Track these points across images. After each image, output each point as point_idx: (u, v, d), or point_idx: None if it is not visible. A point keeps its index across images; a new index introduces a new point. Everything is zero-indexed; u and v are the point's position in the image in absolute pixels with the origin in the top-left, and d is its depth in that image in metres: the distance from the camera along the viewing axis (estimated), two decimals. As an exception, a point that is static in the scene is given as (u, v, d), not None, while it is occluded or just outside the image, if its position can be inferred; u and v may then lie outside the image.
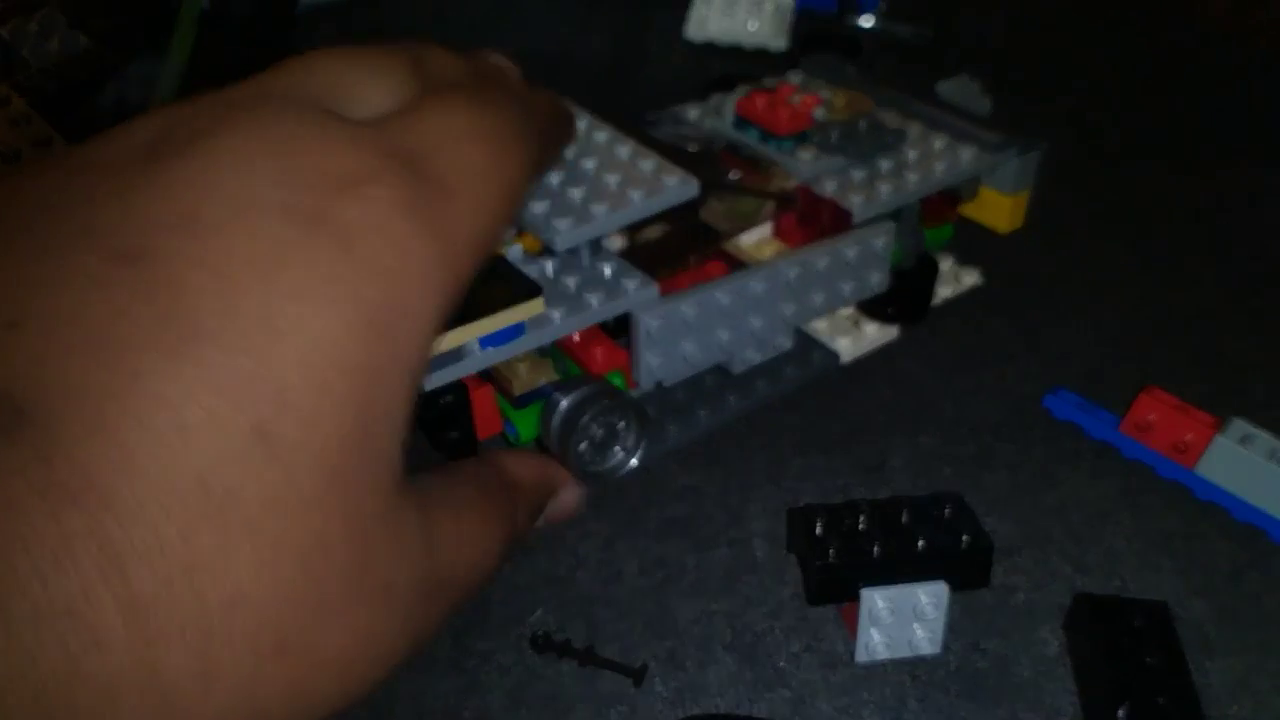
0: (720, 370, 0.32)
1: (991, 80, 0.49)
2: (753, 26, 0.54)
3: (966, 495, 0.28)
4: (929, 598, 0.25)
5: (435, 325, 0.17)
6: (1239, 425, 0.29)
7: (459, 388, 0.27)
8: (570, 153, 0.29)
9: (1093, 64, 0.56)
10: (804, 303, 0.31)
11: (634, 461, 0.29)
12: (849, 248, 0.31)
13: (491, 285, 0.25)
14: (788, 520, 0.29)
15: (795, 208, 0.33)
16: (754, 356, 0.32)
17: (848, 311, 0.35)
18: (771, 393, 0.33)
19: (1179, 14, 0.61)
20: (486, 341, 0.25)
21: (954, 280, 0.37)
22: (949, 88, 0.48)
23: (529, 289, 0.26)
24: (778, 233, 0.34)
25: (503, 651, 0.26)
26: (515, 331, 0.26)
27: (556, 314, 0.26)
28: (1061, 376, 0.34)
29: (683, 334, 0.29)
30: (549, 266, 0.28)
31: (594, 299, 0.27)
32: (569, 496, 0.26)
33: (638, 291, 0.28)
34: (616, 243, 0.30)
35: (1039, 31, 0.60)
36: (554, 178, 0.28)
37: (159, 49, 0.41)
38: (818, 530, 0.27)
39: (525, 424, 0.28)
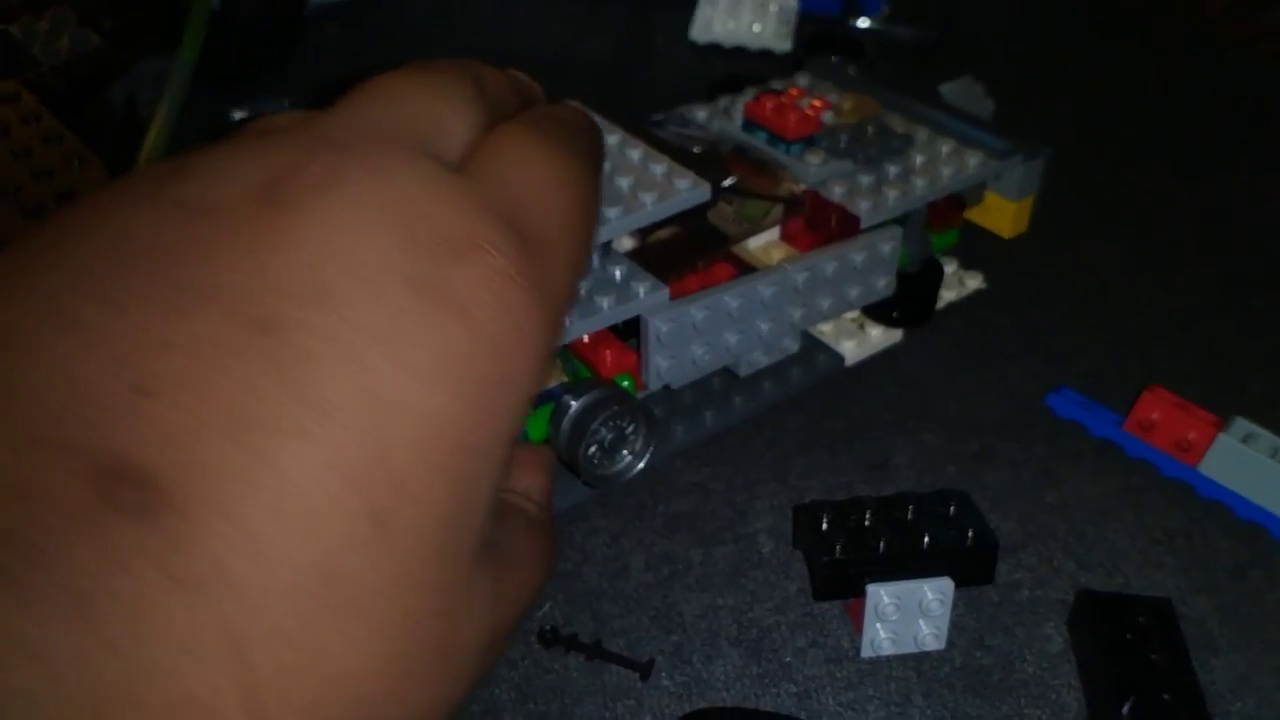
0: (726, 372, 0.33)
1: (994, 82, 0.49)
2: (757, 28, 0.54)
3: (970, 493, 0.28)
4: (934, 594, 0.26)
5: (535, 390, 0.17)
6: (1241, 424, 0.30)
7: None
8: None
9: (1093, 66, 0.56)
10: (811, 307, 0.32)
11: (641, 465, 0.29)
12: (857, 253, 0.32)
13: None
14: (794, 516, 0.30)
15: (803, 212, 0.33)
16: (761, 359, 0.32)
17: (853, 314, 0.35)
18: (777, 394, 0.33)
19: (1178, 18, 0.61)
20: None
21: (957, 284, 0.38)
22: (952, 90, 0.48)
23: None
24: (785, 236, 0.34)
25: (511, 645, 0.26)
26: None
27: (567, 317, 0.26)
28: (1064, 376, 0.35)
29: (692, 337, 0.29)
30: (559, 267, 0.28)
31: (604, 302, 0.27)
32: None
33: (648, 295, 0.28)
34: (626, 244, 0.30)
35: (1041, 34, 0.60)
36: None
37: (169, 47, 0.41)
38: (824, 526, 0.27)
39: (534, 426, 0.29)
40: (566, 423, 0.27)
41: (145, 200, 0.16)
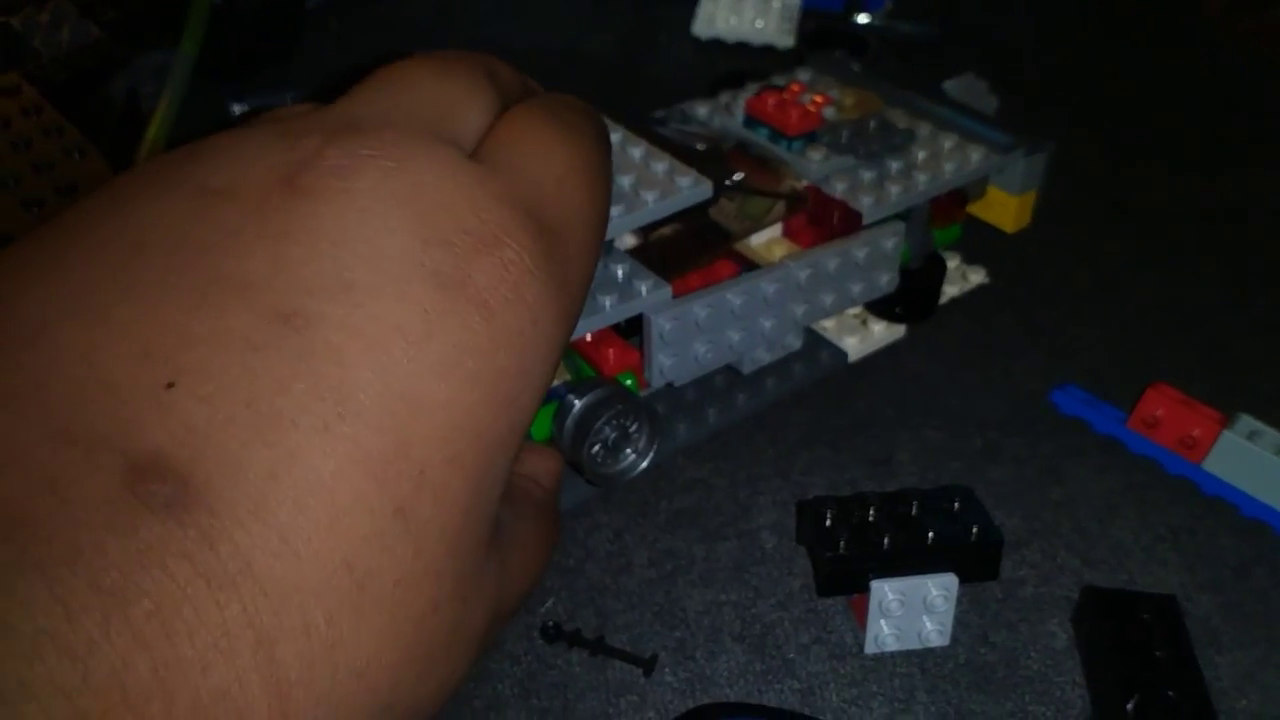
0: (729, 369, 0.33)
1: (997, 79, 0.49)
2: (759, 24, 0.54)
3: (974, 489, 0.28)
4: (939, 589, 0.25)
5: (548, 382, 0.17)
6: (1246, 421, 0.30)
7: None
8: None
9: (1097, 62, 0.56)
10: (814, 303, 0.32)
11: (645, 464, 0.29)
12: (859, 249, 0.32)
13: None
14: (797, 512, 0.29)
15: (805, 208, 0.33)
16: (764, 356, 0.32)
17: (855, 310, 0.35)
18: (780, 391, 0.33)
19: (1180, 16, 0.61)
20: None
21: (960, 279, 0.37)
22: (955, 86, 0.48)
23: None
24: (788, 233, 0.34)
25: (513, 641, 0.26)
26: None
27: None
28: (1068, 372, 0.35)
29: (695, 335, 0.29)
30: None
31: (607, 300, 0.27)
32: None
33: (651, 293, 0.28)
34: (628, 242, 0.30)
35: (1045, 30, 0.60)
36: None
37: (171, 40, 0.41)
38: (827, 522, 0.27)
39: (538, 424, 0.28)
40: (570, 422, 0.27)
41: (165, 186, 0.15)
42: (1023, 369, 0.35)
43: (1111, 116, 0.51)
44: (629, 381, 0.29)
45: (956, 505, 0.27)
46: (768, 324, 0.31)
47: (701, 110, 0.36)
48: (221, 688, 0.12)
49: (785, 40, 0.54)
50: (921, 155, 0.34)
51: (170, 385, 0.13)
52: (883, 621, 0.26)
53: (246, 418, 0.13)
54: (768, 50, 0.55)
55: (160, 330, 0.13)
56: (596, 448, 0.27)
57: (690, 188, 0.28)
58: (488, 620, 0.17)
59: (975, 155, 0.34)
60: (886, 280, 0.33)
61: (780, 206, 0.33)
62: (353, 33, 0.56)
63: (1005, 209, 0.37)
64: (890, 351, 0.35)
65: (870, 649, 0.26)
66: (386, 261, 0.15)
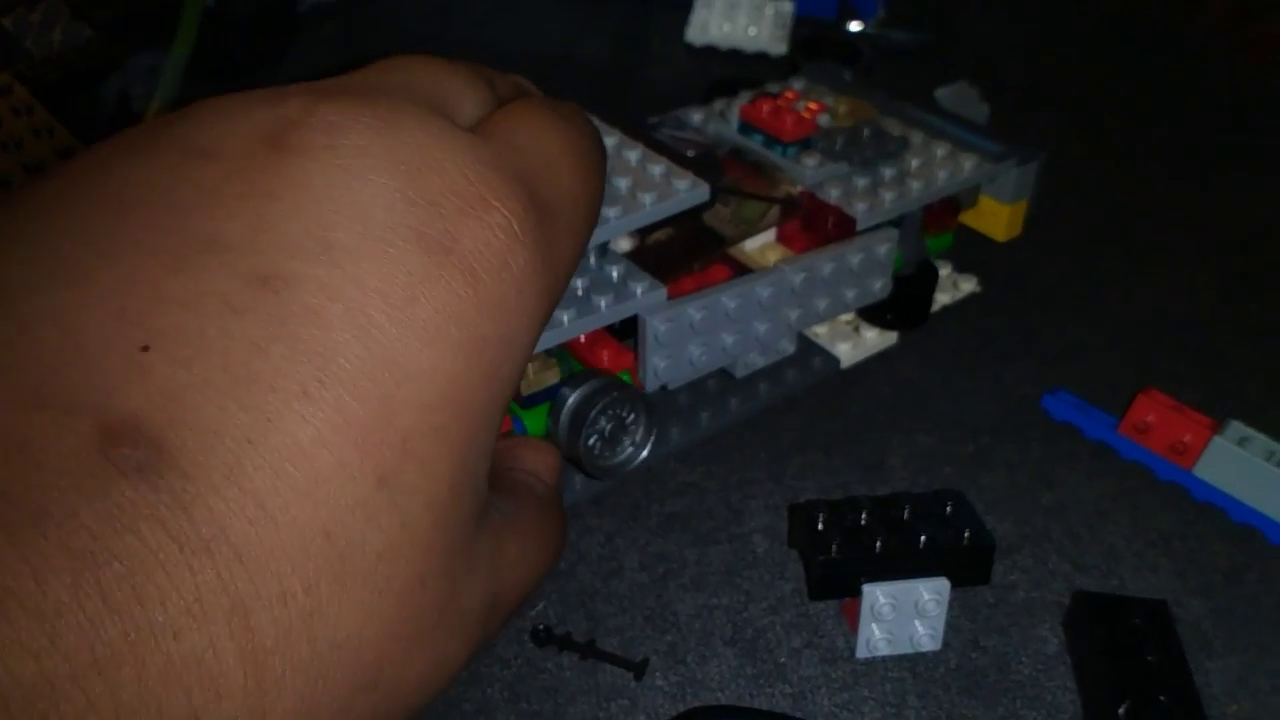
0: (723, 373, 0.33)
1: (989, 86, 0.50)
2: (753, 31, 0.55)
3: (965, 494, 0.28)
4: (931, 594, 0.25)
5: (528, 357, 0.17)
6: (1236, 427, 0.30)
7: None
8: None
9: (1089, 70, 0.56)
10: (808, 308, 0.32)
11: (644, 454, 0.29)
12: (853, 254, 0.32)
13: None
14: (789, 515, 0.29)
15: (799, 213, 0.33)
16: (758, 360, 0.32)
17: (848, 317, 0.35)
18: (773, 396, 0.33)
19: (1175, 24, 0.61)
20: None
21: (952, 287, 0.38)
22: (947, 94, 0.48)
23: None
24: (782, 238, 0.34)
25: (503, 645, 0.26)
26: None
27: (565, 316, 0.26)
28: (1059, 378, 0.35)
29: (689, 337, 0.29)
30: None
31: (602, 301, 0.27)
32: None
33: (646, 294, 0.28)
34: (624, 245, 0.30)
35: (1037, 38, 0.60)
36: None
37: (163, 42, 0.41)
38: (820, 526, 0.27)
39: (533, 422, 0.28)
40: (565, 415, 0.27)
41: (146, 146, 0.15)
42: (1014, 375, 0.35)
43: (1102, 124, 0.51)
44: (622, 384, 0.29)
45: (948, 509, 0.27)
46: (762, 327, 0.31)
47: (696, 116, 0.36)
48: (194, 653, 0.12)
49: (778, 47, 0.54)
50: (915, 163, 0.34)
51: (146, 349, 0.13)
52: (874, 625, 0.26)
53: (223, 381, 0.13)
54: (761, 57, 0.55)
55: (138, 293, 0.13)
56: (593, 439, 0.27)
57: (687, 191, 0.28)
58: (482, 603, 0.17)
59: (968, 164, 0.34)
60: (880, 286, 0.33)
61: (775, 212, 0.33)
62: (345, 37, 0.56)
63: (997, 218, 0.37)
64: (882, 358, 0.35)
65: (862, 653, 0.26)
66: (371, 221, 0.14)
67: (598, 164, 0.20)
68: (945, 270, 0.38)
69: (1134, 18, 0.62)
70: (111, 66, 0.43)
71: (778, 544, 0.29)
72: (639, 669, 0.26)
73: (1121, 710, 0.23)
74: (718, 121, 0.35)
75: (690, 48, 0.56)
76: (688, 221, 0.31)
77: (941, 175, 0.33)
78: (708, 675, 0.26)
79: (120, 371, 0.13)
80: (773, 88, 0.37)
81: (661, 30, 0.57)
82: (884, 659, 0.26)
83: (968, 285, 0.38)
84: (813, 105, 0.35)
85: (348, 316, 0.14)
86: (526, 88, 0.24)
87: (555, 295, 0.18)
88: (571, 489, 0.29)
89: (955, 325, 0.37)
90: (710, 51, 0.56)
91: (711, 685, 0.26)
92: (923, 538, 0.26)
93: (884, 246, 0.32)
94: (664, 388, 0.30)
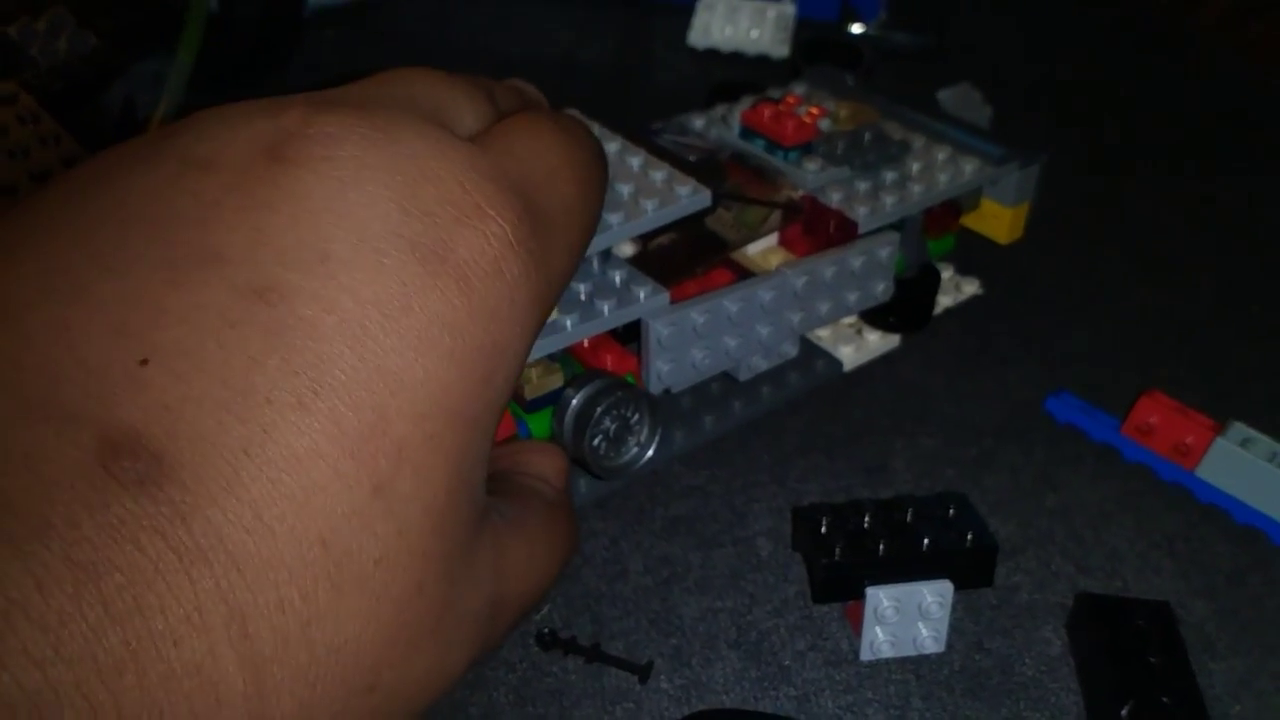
0: (726, 377, 0.33)
1: (992, 89, 0.50)
2: (754, 34, 0.55)
3: (968, 497, 0.28)
4: (934, 596, 0.26)
5: (521, 365, 0.17)
6: (1239, 428, 0.30)
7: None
8: None
9: (1090, 72, 0.57)
10: (810, 311, 0.32)
11: (650, 453, 0.29)
12: (855, 257, 0.32)
13: None
14: (793, 519, 0.30)
15: (801, 217, 0.33)
16: (760, 364, 0.32)
17: (850, 320, 0.35)
18: (776, 399, 0.33)
19: (1174, 24, 0.61)
20: None
21: (954, 289, 0.38)
22: (949, 96, 0.48)
23: None
24: (784, 242, 0.34)
25: (509, 648, 0.26)
26: None
27: (569, 320, 0.26)
28: (1062, 380, 0.35)
29: (692, 341, 0.29)
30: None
31: (605, 306, 0.27)
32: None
33: (649, 299, 0.28)
34: (627, 250, 0.30)
35: (1038, 40, 0.60)
36: None
37: (167, 49, 0.41)
38: (823, 529, 0.27)
39: (538, 425, 0.28)
40: (569, 416, 0.27)
41: (148, 156, 0.15)
42: (1017, 377, 0.35)
43: (1103, 125, 0.51)
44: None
45: (951, 512, 0.27)
46: (765, 331, 0.31)
47: (698, 122, 0.36)
48: (194, 661, 0.12)
49: (780, 50, 0.55)
50: (916, 167, 0.34)
51: (145, 362, 0.13)
52: (878, 628, 0.26)
53: (220, 394, 0.13)
54: (763, 60, 0.55)
55: (137, 307, 0.13)
56: (598, 439, 0.28)
57: (689, 197, 0.28)
58: (483, 608, 0.17)
59: (969, 167, 0.34)
60: (882, 289, 0.33)
61: (776, 216, 0.33)
62: (349, 43, 0.56)
63: (999, 221, 0.37)
64: (885, 360, 0.35)
65: (865, 655, 0.26)
66: (365, 231, 0.15)
67: (597, 176, 0.20)
68: (947, 273, 0.38)
69: (1134, 19, 0.62)
70: (117, 74, 0.43)
71: (781, 547, 0.29)
72: (644, 672, 0.26)
73: (1125, 712, 0.23)
74: (719, 127, 0.35)
75: (692, 51, 0.56)
76: (690, 226, 0.31)
77: (942, 179, 0.34)
78: (712, 678, 0.26)
79: (120, 385, 0.13)
80: (774, 92, 0.37)
81: (663, 34, 0.57)
82: (888, 661, 0.26)
83: (970, 288, 0.38)
84: (814, 110, 0.35)
85: (342, 327, 0.14)
86: (531, 95, 0.24)
87: (549, 304, 0.18)
88: (576, 492, 0.30)
89: (958, 328, 0.37)
90: (712, 55, 0.56)
91: (716, 688, 0.26)
92: (926, 540, 0.26)
93: (886, 250, 0.32)
94: (667, 391, 0.31)
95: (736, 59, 0.55)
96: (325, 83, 0.18)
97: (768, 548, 0.29)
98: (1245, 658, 0.26)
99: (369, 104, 0.16)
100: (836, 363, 0.34)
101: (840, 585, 0.26)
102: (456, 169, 0.16)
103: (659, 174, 0.29)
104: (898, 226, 0.33)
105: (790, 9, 0.55)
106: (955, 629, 0.27)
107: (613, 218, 0.27)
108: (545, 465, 0.22)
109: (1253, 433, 0.30)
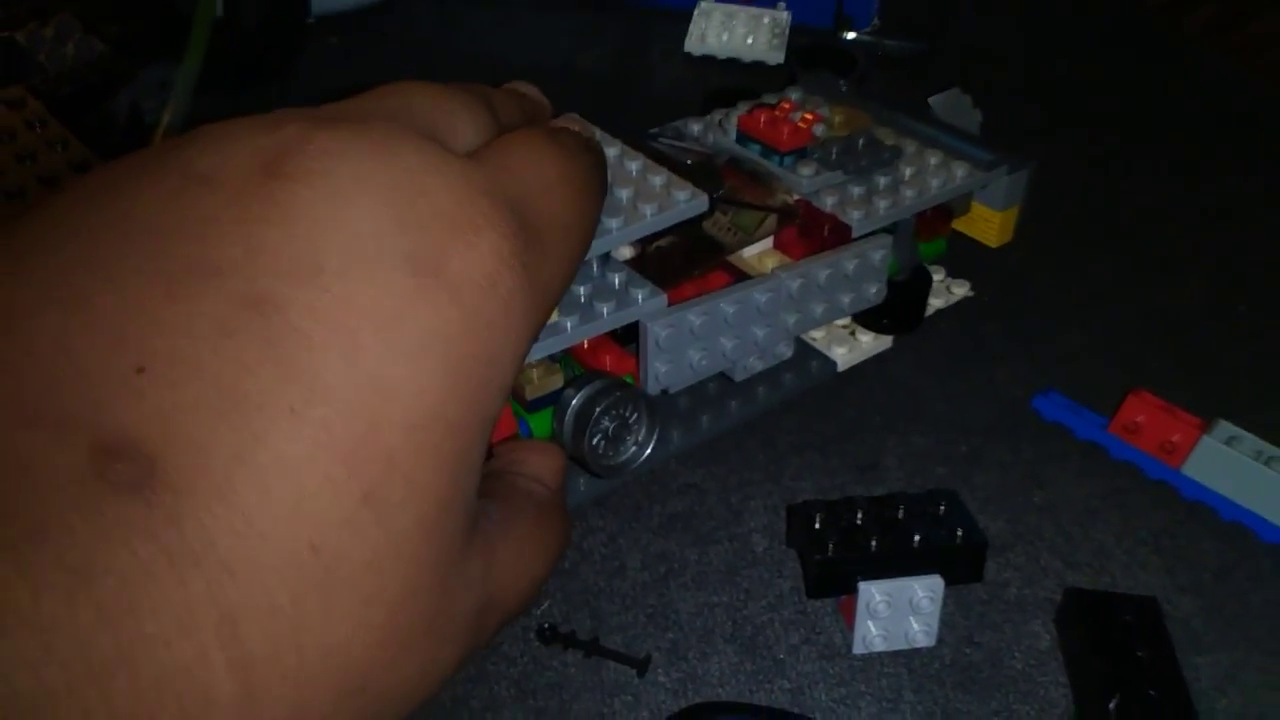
0: (722, 377, 0.33)
1: (982, 94, 0.50)
2: (750, 41, 0.55)
3: (959, 494, 0.29)
4: (925, 591, 0.26)
5: (514, 376, 0.17)
6: (1225, 426, 0.30)
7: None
8: None
9: (1081, 76, 0.57)
10: (805, 313, 0.32)
11: (648, 452, 0.29)
12: (848, 260, 0.32)
13: None
14: (787, 516, 0.30)
15: (796, 221, 0.34)
16: (756, 364, 0.33)
17: (844, 321, 0.36)
18: (771, 399, 0.34)
19: (1164, 27, 0.62)
20: None
21: (945, 292, 0.38)
22: (940, 101, 0.49)
23: None
24: (779, 245, 0.35)
25: (510, 642, 0.27)
26: None
27: (568, 322, 0.27)
28: (1050, 380, 0.35)
29: (690, 342, 0.30)
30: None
31: (604, 308, 0.28)
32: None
33: (647, 301, 0.28)
34: (625, 253, 0.31)
35: (1029, 46, 0.61)
36: None
37: (174, 55, 0.42)
38: (816, 525, 0.27)
39: (539, 425, 0.29)
40: (569, 416, 0.28)
41: (150, 171, 0.16)
42: (1006, 377, 0.36)
43: (1092, 129, 0.52)
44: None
45: (942, 509, 0.28)
46: (760, 332, 0.31)
47: (695, 127, 0.37)
48: (184, 663, 0.12)
49: (775, 56, 0.55)
50: (908, 171, 0.35)
51: (141, 370, 0.13)
52: (870, 623, 0.26)
53: (214, 401, 0.13)
54: (758, 66, 0.56)
55: (135, 317, 0.14)
56: (597, 439, 0.28)
57: (687, 201, 0.29)
58: (474, 610, 0.17)
59: (960, 172, 0.35)
60: (875, 291, 0.34)
61: (772, 220, 0.34)
62: (353, 48, 0.56)
63: (989, 225, 0.38)
64: (878, 361, 0.36)
65: (858, 649, 0.27)
66: (359, 244, 0.15)
67: (594, 189, 0.20)
68: (939, 275, 0.38)
69: (1124, 23, 0.63)
70: (123, 80, 0.44)
71: (776, 543, 0.30)
72: (642, 666, 0.26)
73: (1112, 705, 0.24)
74: (716, 132, 0.36)
75: (689, 57, 0.57)
76: (688, 230, 0.31)
77: (934, 183, 0.34)
78: (709, 671, 0.26)
79: (116, 392, 0.13)
80: (769, 98, 0.38)
81: (660, 41, 0.58)
82: (880, 655, 0.27)
83: (961, 290, 0.38)
84: (808, 115, 0.35)
85: (334, 337, 0.14)
86: (532, 98, 0.24)
87: (543, 315, 0.18)
88: (575, 490, 0.30)
89: (949, 329, 0.38)
90: (709, 61, 0.56)
91: (712, 681, 0.26)
92: (917, 537, 0.27)
93: (879, 253, 0.33)
94: (665, 391, 0.31)
95: (732, 65, 0.56)
96: (329, 91, 0.18)
97: (763, 544, 0.30)
98: (1231, 652, 0.27)
99: (367, 119, 0.17)
100: (830, 363, 0.35)
101: (834, 580, 0.27)
102: (451, 184, 0.16)
103: (657, 179, 0.29)
104: (890, 230, 0.34)
105: (785, 16, 0.56)
106: (946, 623, 0.27)
107: (612, 222, 0.27)
108: (541, 465, 0.22)
109: (1238, 431, 0.30)
